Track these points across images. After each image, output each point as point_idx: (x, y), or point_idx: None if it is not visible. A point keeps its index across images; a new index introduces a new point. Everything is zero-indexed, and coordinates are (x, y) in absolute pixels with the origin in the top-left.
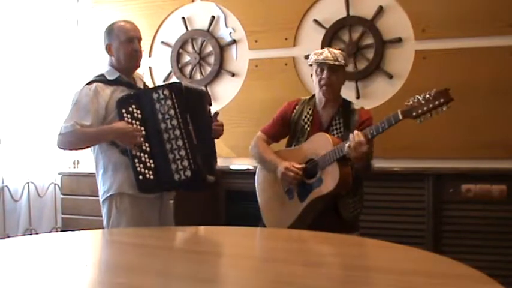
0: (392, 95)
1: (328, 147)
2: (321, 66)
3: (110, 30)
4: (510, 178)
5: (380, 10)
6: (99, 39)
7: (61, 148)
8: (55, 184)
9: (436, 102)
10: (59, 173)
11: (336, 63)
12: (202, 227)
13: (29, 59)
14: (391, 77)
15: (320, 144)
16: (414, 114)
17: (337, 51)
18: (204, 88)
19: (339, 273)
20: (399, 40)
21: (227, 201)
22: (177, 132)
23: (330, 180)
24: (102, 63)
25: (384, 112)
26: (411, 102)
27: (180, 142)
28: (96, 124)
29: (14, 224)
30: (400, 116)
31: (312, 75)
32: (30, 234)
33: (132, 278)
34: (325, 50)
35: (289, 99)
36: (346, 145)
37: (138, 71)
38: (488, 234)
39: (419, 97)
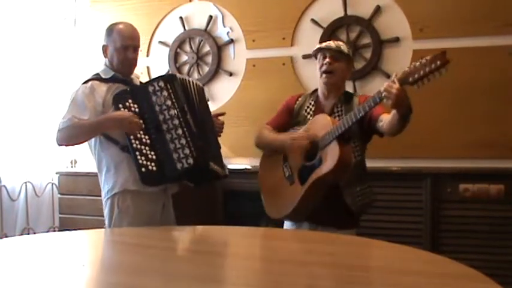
0: None
1: (327, 127)
2: (323, 52)
3: (109, 32)
4: (508, 178)
5: (378, 10)
6: (96, 39)
7: (61, 144)
8: (53, 183)
9: (433, 66)
10: (57, 173)
11: (338, 49)
12: (201, 227)
13: (27, 58)
14: (388, 76)
15: (320, 125)
16: (411, 80)
17: (341, 42)
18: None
19: (339, 273)
20: (397, 40)
21: (225, 201)
22: (176, 121)
23: (329, 159)
24: (100, 63)
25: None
26: (407, 69)
27: (179, 131)
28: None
29: (11, 224)
30: (397, 83)
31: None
32: (28, 233)
33: (129, 278)
34: (330, 41)
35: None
36: (382, 88)
37: (136, 71)
38: (486, 233)
39: (415, 63)
